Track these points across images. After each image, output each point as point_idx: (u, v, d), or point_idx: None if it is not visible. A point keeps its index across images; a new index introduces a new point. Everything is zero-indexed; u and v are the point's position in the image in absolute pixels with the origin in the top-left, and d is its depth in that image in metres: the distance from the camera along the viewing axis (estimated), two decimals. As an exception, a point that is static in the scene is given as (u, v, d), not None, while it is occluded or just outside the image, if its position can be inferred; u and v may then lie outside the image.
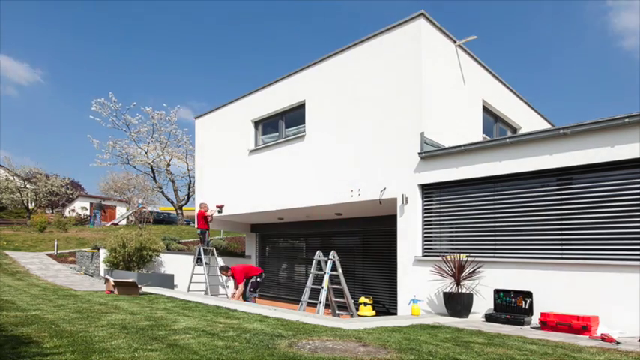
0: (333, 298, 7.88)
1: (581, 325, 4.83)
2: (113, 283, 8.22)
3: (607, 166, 5.41)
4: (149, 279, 11.38)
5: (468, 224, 6.78)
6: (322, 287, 7.33)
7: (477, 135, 8.94)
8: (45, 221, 21.50)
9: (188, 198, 27.07)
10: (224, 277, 11.07)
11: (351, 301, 7.73)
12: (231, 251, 14.98)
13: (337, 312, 7.93)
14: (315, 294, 7.60)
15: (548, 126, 12.26)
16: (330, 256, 7.59)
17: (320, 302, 7.18)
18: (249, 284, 9.69)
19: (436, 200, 7.21)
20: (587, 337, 4.62)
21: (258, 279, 9.93)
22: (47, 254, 15.21)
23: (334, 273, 7.57)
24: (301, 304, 7.72)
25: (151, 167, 26.13)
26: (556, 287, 5.57)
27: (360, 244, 10.72)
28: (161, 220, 28.96)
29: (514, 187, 6.29)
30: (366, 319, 6.37)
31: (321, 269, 7.76)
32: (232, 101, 12.09)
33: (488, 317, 5.79)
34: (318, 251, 7.97)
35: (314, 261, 7.91)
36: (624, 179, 5.29)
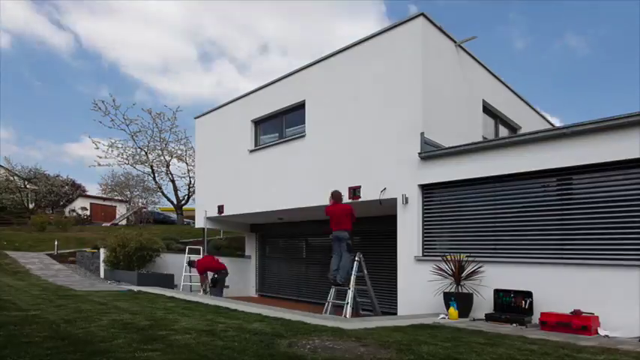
0: (358, 299, 7.95)
1: (581, 325, 4.83)
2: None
3: (607, 166, 5.41)
4: (149, 279, 11.39)
5: (468, 224, 6.78)
6: (349, 288, 7.35)
7: (477, 135, 8.94)
8: (45, 221, 21.48)
9: (188, 198, 27.05)
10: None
11: (376, 301, 7.83)
12: (231, 251, 14.98)
13: (361, 312, 7.95)
14: (341, 295, 7.61)
15: (548, 126, 12.26)
16: (356, 258, 7.68)
17: (347, 303, 7.26)
18: (208, 278, 10.63)
19: (436, 200, 7.21)
20: (588, 336, 4.62)
21: (216, 275, 10.64)
22: (47, 254, 15.19)
23: (359, 274, 7.66)
24: (327, 305, 7.63)
25: (151, 167, 26.12)
26: (556, 287, 5.56)
27: (360, 244, 10.71)
28: (161, 220, 28.96)
29: (514, 187, 6.29)
30: (366, 319, 6.37)
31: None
32: (232, 101, 12.09)
33: (489, 317, 5.79)
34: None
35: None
36: (625, 179, 5.28)
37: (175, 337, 3.78)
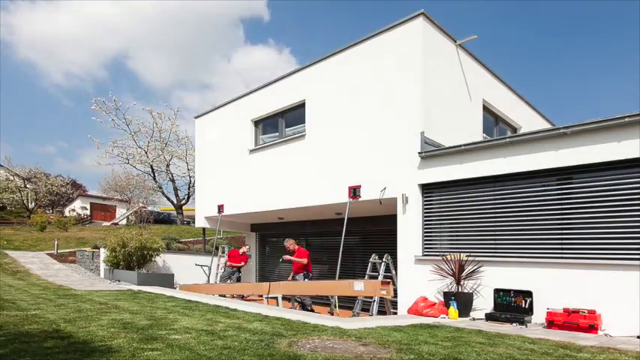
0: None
1: (588, 324, 4.85)
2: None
3: (607, 166, 5.41)
4: (149, 279, 11.41)
5: (468, 224, 6.77)
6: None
7: (477, 135, 8.94)
8: (45, 221, 21.49)
9: (188, 197, 27.08)
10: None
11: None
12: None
13: (392, 310, 8.05)
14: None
15: (548, 125, 12.26)
16: (384, 259, 7.75)
17: (374, 301, 7.48)
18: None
19: (436, 200, 7.20)
20: (588, 335, 4.63)
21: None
22: (47, 254, 15.20)
23: (388, 274, 7.74)
24: (357, 303, 8.01)
25: (151, 167, 26.13)
26: (556, 287, 5.56)
27: (360, 244, 10.72)
28: (161, 219, 28.99)
29: (514, 187, 6.29)
30: (366, 318, 6.37)
31: (375, 270, 7.93)
32: (232, 100, 12.09)
33: (489, 317, 5.79)
34: (373, 254, 8.17)
35: (369, 263, 8.08)
36: (625, 178, 5.28)
37: (175, 336, 3.78)
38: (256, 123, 11.38)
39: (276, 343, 3.56)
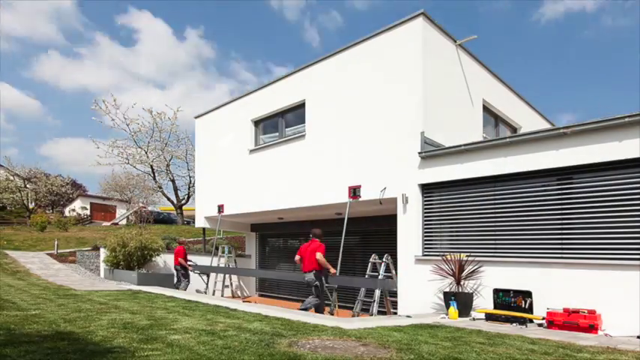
0: (389, 298, 8.05)
1: (588, 324, 4.85)
2: None
3: (607, 166, 5.41)
4: (149, 279, 11.42)
5: (468, 224, 6.78)
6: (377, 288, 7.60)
7: (477, 135, 8.94)
8: (45, 221, 21.50)
9: (188, 197, 27.07)
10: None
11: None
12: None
13: (392, 310, 8.04)
14: (369, 294, 7.95)
15: (548, 125, 12.26)
16: (384, 259, 7.77)
17: (374, 301, 7.48)
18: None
19: (436, 200, 7.21)
20: (587, 335, 4.62)
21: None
22: (47, 254, 15.21)
23: (388, 274, 7.76)
24: (357, 303, 8.05)
25: (151, 167, 26.13)
26: (556, 287, 5.56)
27: (360, 244, 10.72)
28: (161, 219, 29.00)
29: (514, 187, 6.29)
30: (366, 318, 6.38)
31: (375, 270, 7.95)
32: (232, 100, 12.09)
33: (489, 317, 5.79)
34: (373, 254, 8.18)
35: (370, 263, 8.11)
36: (625, 179, 5.28)
37: (175, 336, 3.78)
38: (256, 123, 11.38)
39: (276, 343, 3.56)
